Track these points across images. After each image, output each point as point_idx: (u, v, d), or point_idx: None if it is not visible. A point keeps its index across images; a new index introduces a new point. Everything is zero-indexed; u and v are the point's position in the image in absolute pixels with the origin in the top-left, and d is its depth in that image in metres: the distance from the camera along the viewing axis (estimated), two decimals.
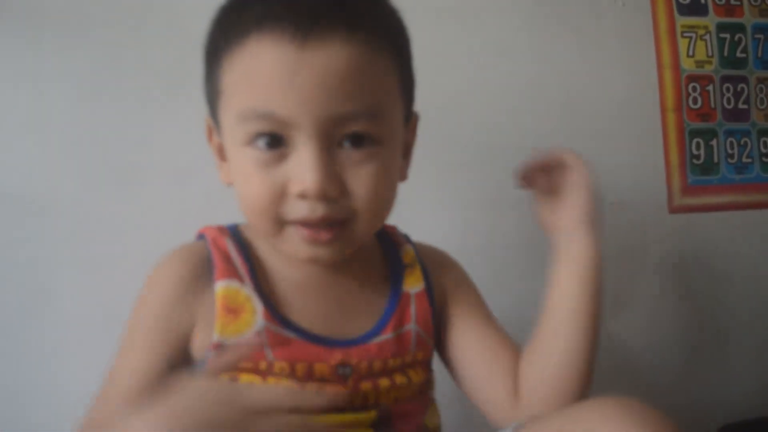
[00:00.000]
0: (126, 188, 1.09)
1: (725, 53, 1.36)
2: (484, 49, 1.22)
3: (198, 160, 1.10)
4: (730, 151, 1.35)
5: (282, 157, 0.57)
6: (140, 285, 0.93)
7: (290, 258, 0.64)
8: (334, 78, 0.54)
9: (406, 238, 0.77)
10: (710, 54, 1.35)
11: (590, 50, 1.27)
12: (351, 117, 0.56)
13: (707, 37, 1.35)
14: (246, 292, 0.62)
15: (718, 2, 1.36)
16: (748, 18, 1.38)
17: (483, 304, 0.75)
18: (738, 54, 1.36)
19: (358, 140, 0.57)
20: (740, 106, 1.36)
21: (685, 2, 1.34)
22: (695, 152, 1.32)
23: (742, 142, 1.36)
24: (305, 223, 0.58)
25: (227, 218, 1.06)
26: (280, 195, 0.57)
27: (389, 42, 0.60)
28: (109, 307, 1.07)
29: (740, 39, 1.37)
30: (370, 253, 0.71)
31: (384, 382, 0.64)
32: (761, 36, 1.38)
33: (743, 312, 1.32)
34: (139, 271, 1.07)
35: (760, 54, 1.38)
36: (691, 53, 1.33)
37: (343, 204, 0.58)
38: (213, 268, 0.64)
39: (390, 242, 0.74)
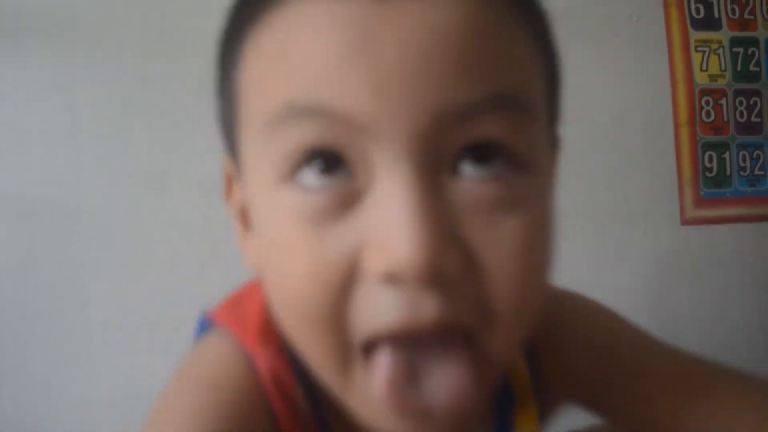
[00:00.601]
0: (154, 196, 1.13)
1: (738, 67, 1.38)
2: None
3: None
4: (742, 164, 1.37)
5: (347, 200, 0.29)
6: (164, 289, 0.98)
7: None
8: (441, 41, 0.29)
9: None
10: (723, 68, 1.37)
11: (606, 64, 1.30)
12: (474, 110, 0.29)
13: (720, 51, 1.37)
14: None
15: (731, 16, 1.38)
16: (762, 32, 1.40)
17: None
18: (751, 68, 1.39)
19: (485, 156, 0.30)
20: (753, 119, 1.38)
21: (698, 17, 1.37)
22: (708, 165, 1.35)
23: (754, 155, 1.38)
24: (396, 341, 0.29)
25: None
26: (348, 276, 0.29)
27: (528, 7, 0.35)
28: (135, 310, 1.11)
29: (753, 53, 1.39)
30: None
31: None
32: None
33: (750, 322, 1.34)
34: (164, 276, 1.11)
35: None
36: (704, 67, 1.36)
37: (469, 291, 0.29)
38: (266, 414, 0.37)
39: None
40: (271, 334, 0.38)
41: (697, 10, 1.37)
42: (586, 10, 1.28)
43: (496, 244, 0.29)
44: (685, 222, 1.33)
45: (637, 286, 1.28)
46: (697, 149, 1.34)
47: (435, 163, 0.29)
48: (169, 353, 1.06)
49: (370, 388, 0.29)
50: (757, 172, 1.38)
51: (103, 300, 1.12)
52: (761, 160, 1.38)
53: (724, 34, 1.38)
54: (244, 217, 0.38)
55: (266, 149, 0.31)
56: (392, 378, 0.28)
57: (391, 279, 0.27)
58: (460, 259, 0.28)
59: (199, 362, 0.39)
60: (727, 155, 1.36)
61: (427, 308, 0.28)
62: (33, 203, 1.11)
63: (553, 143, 0.37)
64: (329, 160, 0.29)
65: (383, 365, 0.28)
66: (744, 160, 1.37)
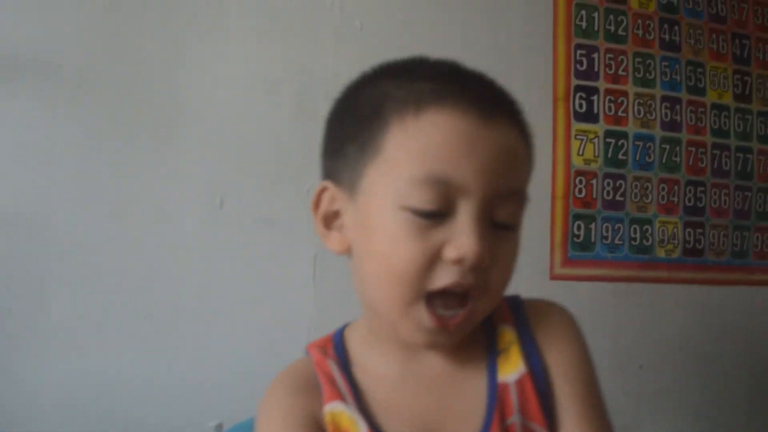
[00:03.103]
0: (116, 219, 1.36)
1: (609, 155, 1.69)
2: None
3: (178, 202, 1.38)
4: (605, 234, 1.67)
5: (440, 223, 0.55)
6: (118, 301, 1.22)
7: (398, 347, 0.64)
8: (507, 154, 0.57)
9: (514, 305, 0.69)
10: (597, 154, 1.68)
11: None
12: (513, 193, 0.58)
13: (596, 140, 1.68)
14: (350, 414, 0.61)
15: (608, 112, 1.70)
16: (631, 128, 1.72)
17: (588, 399, 0.64)
18: (620, 156, 1.70)
19: (503, 225, 0.58)
20: (617, 198, 1.69)
21: (581, 110, 1.67)
22: (576, 232, 1.65)
23: (616, 227, 1.69)
24: (448, 292, 0.56)
25: (193, 256, 1.36)
26: (432, 259, 0.55)
27: (532, 146, 0.64)
28: (86, 319, 1.33)
29: (623, 144, 1.70)
30: (470, 337, 0.64)
31: None
32: (640, 143, 1.72)
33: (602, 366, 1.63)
34: (114, 287, 1.34)
35: (638, 157, 1.72)
36: (581, 152, 1.66)
37: (484, 278, 0.57)
38: (321, 392, 0.63)
39: (490, 320, 0.66)
40: (327, 343, 0.68)
41: (580, 105, 1.67)
42: None
43: (499, 256, 0.58)
44: (554, 277, 1.62)
45: None
46: (568, 218, 1.64)
47: (488, 214, 0.57)
48: (118, 353, 1.29)
49: (423, 315, 0.57)
50: (617, 241, 1.69)
51: (65, 306, 1.33)
52: (621, 232, 1.69)
53: (600, 127, 1.69)
54: (328, 221, 0.64)
55: (403, 193, 0.56)
56: (439, 319, 0.57)
57: (458, 263, 0.55)
58: (490, 262, 0.56)
59: (286, 369, 0.68)
60: (593, 225, 1.66)
61: (469, 279, 0.56)
62: (8, 217, 1.32)
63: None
64: (437, 211, 0.56)
65: (437, 312, 0.57)
66: (607, 231, 1.68)
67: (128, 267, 1.36)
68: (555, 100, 1.65)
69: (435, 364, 0.64)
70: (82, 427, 1.31)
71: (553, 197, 1.63)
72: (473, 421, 0.61)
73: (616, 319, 1.67)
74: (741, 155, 1.83)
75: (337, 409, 0.62)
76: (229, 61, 1.46)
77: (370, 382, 0.64)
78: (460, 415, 0.62)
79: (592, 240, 1.66)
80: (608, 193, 1.68)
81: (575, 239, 1.65)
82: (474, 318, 0.59)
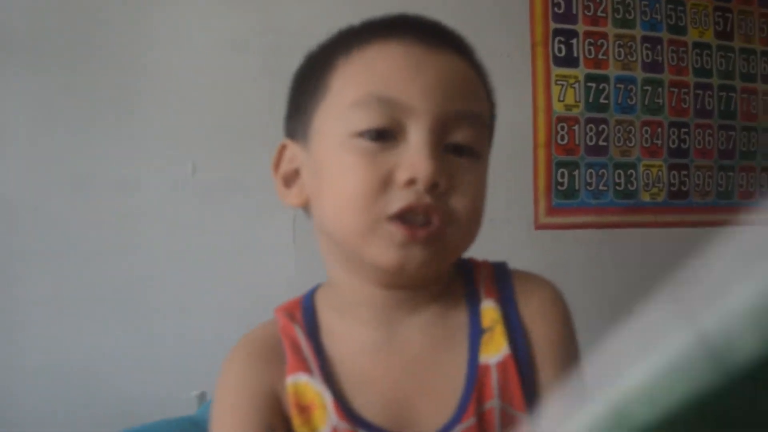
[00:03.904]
0: (81, 192, 1.30)
1: (591, 99, 1.65)
2: None
3: (147, 170, 1.33)
4: (589, 180, 1.64)
5: (390, 147, 0.53)
6: (91, 275, 1.17)
7: (372, 313, 0.59)
8: (455, 78, 0.55)
9: (500, 277, 0.63)
10: (578, 99, 1.64)
11: None
12: (464, 116, 0.55)
13: (576, 85, 1.64)
14: (315, 386, 0.57)
15: (588, 56, 1.65)
16: (612, 71, 1.67)
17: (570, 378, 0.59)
18: (601, 100, 1.66)
19: (460, 150, 0.55)
20: (600, 143, 1.65)
21: (560, 55, 1.62)
22: (560, 180, 1.62)
23: (600, 173, 1.66)
24: (406, 214, 0.52)
25: (166, 226, 1.31)
26: (385, 183, 0.52)
27: (486, 78, 0.61)
28: (60, 294, 1.29)
29: (604, 88, 1.66)
30: (451, 305, 0.60)
31: None
32: (622, 86, 1.68)
33: (591, 314, 1.62)
34: (83, 263, 1.29)
35: (620, 101, 1.68)
36: (562, 98, 1.62)
37: (446, 203, 0.53)
38: (284, 361, 0.59)
39: (474, 294, 0.62)
40: (295, 306, 0.63)
41: (560, 50, 1.63)
42: None
43: (462, 185, 0.54)
44: (539, 227, 1.59)
45: None
46: (551, 166, 1.61)
47: (441, 137, 0.54)
48: (95, 328, 1.25)
49: (388, 230, 0.52)
50: (601, 187, 1.66)
51: (30, 283, 1.29)
52: (605, 178, 1.66)
53: (580, 71, 1.64)
54: (287, 180, 0.62)
55: (348, 117, 0.54)
56: (407, 225, 0.52)
57: (411, 183, 0.52)
58: (447, 181, 0.53)
59: (249, 333, 0.64)
60: (576, 172, 1.63)
61: (426, 200, 0.52)
62: None
63: (490, 141, 0.62)
64: (384, 131, 0.53)
65: (403, 223, 0.52)
66: (591, 177, 1.65)
67: (99, 240, 1.31)
68: (533, 46, 1.60)
69: (412, 336, 0.58)
70: (62, 403, 1.27)
71: (535, 145, 1.60)
72: (448, 402, 0.57)
73: (603, 266, 1.65)
74: (724, 94, 1.79)
75: (301, 381, 0.58)
76: (193, 20, 1.39)
77: (339, 352, 0.59)
78: (435, 394, 0.57)
79: (576, 187, 1.63)
80: (591, 139, 1.65)
81: (559, 187, 1.62)
82: (445, 246, 0.55)
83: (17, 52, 1.28)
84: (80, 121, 1.31)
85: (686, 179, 1.74)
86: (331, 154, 0.55)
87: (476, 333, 0.59)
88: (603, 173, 1.66)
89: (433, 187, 0.52)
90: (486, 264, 0.65)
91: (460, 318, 0.60)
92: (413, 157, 0.52)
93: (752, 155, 1.82)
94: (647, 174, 1.70)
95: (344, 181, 0.54)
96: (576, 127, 1.63)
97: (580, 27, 1.64)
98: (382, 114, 0.53)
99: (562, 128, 1.62)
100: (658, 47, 1.72)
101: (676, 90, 1.73)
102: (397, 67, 0.54)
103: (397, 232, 0.52)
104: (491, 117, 0.61)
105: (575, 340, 0.62)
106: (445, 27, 0.60)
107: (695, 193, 1.76)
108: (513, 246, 1.56)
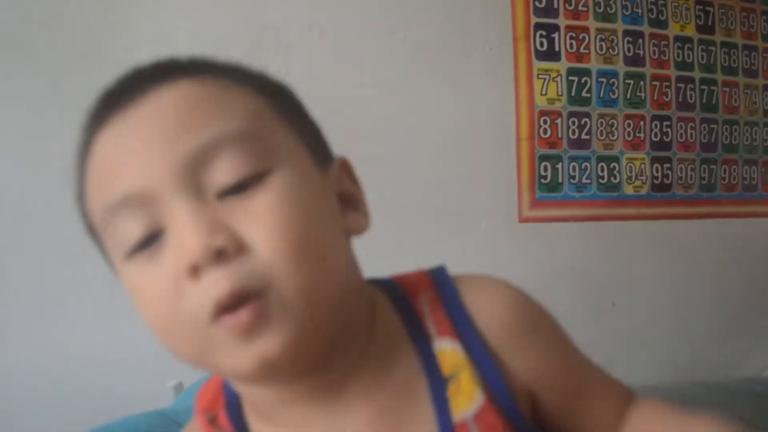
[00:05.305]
0: (62, 190, 1.30)
1: (573, 93, 1.66)
2: (369, 85, 1.48)
3: None
4: (572, 174, 1.66)
5: (160, 245, 0.41)
6: (78, 269, 1.17)
7: (307, 407, 0.45)
8: (172, 115, 0.41)
9: (446, 299, 0.49)
10: (560, 93, 1.65)
11: (460, 86, 1.55)
12: (213, 144, 0.40)
13: (558, 79, 1.65)
14: None
15: (569, 50, 1.66)
16: (594, 64, 1.68)
17: (570, 369, 0.51)
18: (583, 94, 1.67)
19: (235, 189, 0.40)
20: (583, 137, 1.67)
21: (542, 49, 1.64)
22: (543, 173, 1.63)
23: (582, 167, 1.67)
24: (217, 308, 0.38)
25: None
26: (175, 288, 0.39)
27: (236, 78, 0.47)
28: (44, 288, 1.29)
29: (586, 81, 1.67)
30: (394, 357, 0.47)
31: None
32: (604, 79, 1.69)
33: (576, 307, 1.63)
34: (71, 256, 1.29)
35: (602, 94, 1.69)
36: (544, 92, 1.63)
37: (248, 265, 0.39)
38: None
39: (419, 331, 0.48)
40: (213, 410, 0.50)
41: (541, 44, 1.64)
42: (446, 41, 1.53)
43: (254, 219, 0.39)
44: (522, 220, 1.61)
45: (482, 268, 1.55)
46: (534, 160, 1.62)
47: (200, 194, 0.40)
48: (81, 322, 1.25)
49: (223, 340, 0.39)
50: (584, 180, 1.67)
51: (22, 276, 1.29)
52: (588, 171, 1.68)
53: (562, 65, 1.66)
54: None
55: (108, 239, 0.44)
56: (228, 313, 0.38)
57: (193, 270, 0.38)
58: (229, 236, 0.38)
59: None
60: (559, 166, 1.64)
61: (223, 280, 0.38)
62: None
63: (322, 161, 0.47)
64: (146, 236, 0.41)
65: (222, 312, 0.39)
66: (574, 170, 1.66)
67: (84, 235, 1.31)
68: (515, 40, 1.61)
69: (363, 417, 0.45)
70: (48, 398, 1.27)
71: (518, 139, 1.61)
72: None
73: (587, 259, 1.66)
74: (705, 87, 1.81)
75: None
76: (174, 19, 1.39)
77: None
78: None
79: (560, 180, 1.64)
80: (573, 132, 1.66)
81: (542, 180, 1.63)
82: (287, 313, 0.39)
83: (3, 49, 1.29)
84: (66, 118, 1.31)
85: (669, 172, 1.76)
86: (124, 280, 0.44)
87: (438, 385, 0.46)
88: (586, 166, 1.67)
89: (218, 256, 0.38)
90: (420, 280, 0.50)
91: (412, 373, 0.46)
92: (178, 240, 0.39)
93: (735, 148, 1.84)
94: (630, 167, 1.71)
95: (144, 307, 0.42)
96: (558, 121, 1.64)
97: (562, 21, 1.65)
98: (135, 219, 0.41)
99: (545, 122, 1.63)
100: (640, 41, 1.73)
101: (658, 83, 1.75)
102: (106, 158, 0.43)
103: (226, 332, 0.39)
104: (289, 117, 0.46)
105: (555, 325, 0.52)
106: (145, 68, 0.48)
107: (678, 185, 1.77)
108: (496, 240, 1.57)
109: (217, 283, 0.38)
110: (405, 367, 0.46)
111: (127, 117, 0.42)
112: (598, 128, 1.68)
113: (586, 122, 1.67)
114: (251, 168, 0.40)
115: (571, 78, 1.66)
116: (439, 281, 0.49)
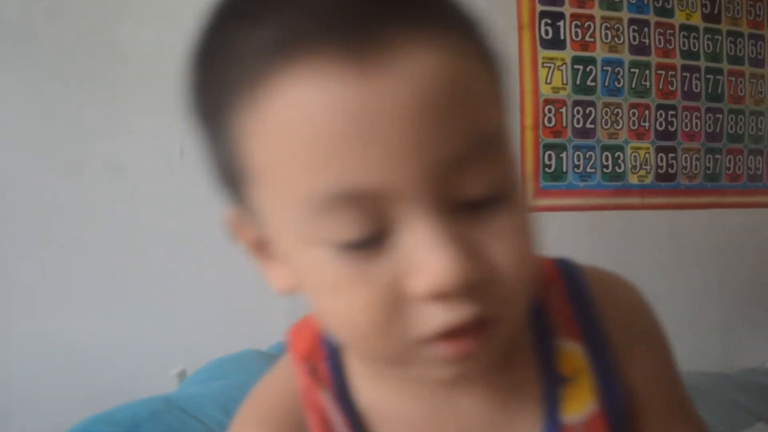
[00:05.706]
0: (71, 177, 1.30)
1: (578, 81, 1.65)
2: None
3: (130, 158, 1.34)
4: (576, 163, 1.65)
5: (379, 246, 0.34)
6: (81, 259, 1.17)
7: (412, 386, 0.44)
8: (427, 103, 0.32)
9: (574, 297, 0.47)
10: (565, 82, 1.64)
11: None
12: (469, 153, 0.33)
13: (563, 67, 1.64)
14: None
15: (574, 38, 1.65)
16: (599, 53, 1.68)
17: (680, 412, 0.49)
18: (588, 83, 1.66)
19: (480, 202, 0.35)
20: (588, 126, 1.66)
21: (547, 37, 1.63)
22: (547, 162, 1.62)
23: (587, 156, 1.66)
24: (443, 335, 0.35)
25: (154, 208, 1.32)
26: (394, 302, 0.35)
27: (480, 39, 0.38)
28: (49, 276, 1.29)
29: (591, 70, 1.67)
30: (519, 359, 0.45)
31: None
32: (609, 68, 1.69)
33: None
34: (74, 246, 1.30)
35: (607, 83, 1.68)
36: (548, 81, 1.62)
37: (489, 294, 0.35)
38: None
39: (542, 324, 0.46)
40: (317, 360, 0.46)
41: (546, 32, 1.63)
42: None
43: (498, 243, 0.34)
44: None
45: None
46: (539, 149, 1.61)
47: (445, 205, 0.33)
48: (84, 312, 1.26)
49: (431, 359, 0.36)
50: (588, 169, 1.67)
51: (24, 263, 1.29)
52: (592, 160, 1.67)
53: (567, 53, 1.65)
54: (261, 250, 0.41)
55: (310, 225, 0.34)
56: (453, 342, 0.35)
57: (437, 297, 0.33)
58: (487, 269, 0.34)
59: (261, 391, 0.48)
60: (564, 155, 1.64)
61: (466, 312, 0.34)
62: None
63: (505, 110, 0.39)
64: (369, 235, 0.34)
65: (448, 340, 0.35)
66: (578, 160, 1.66)
67: (89, 224, 1.32)
68: (520, 28, 1.61)
69: (473, 405, 0.44)
70: (52, 385, 1.28)
71: (523, 128, 1.60)
72: None
73: (591, 248, 1.66)
74: (711, 77, 1.80)
75: None
76: (177, 1, 1.39)
77: (382, 428, 0.45)
78: None
79: (564, 169, 1.64)
80: (578, 121, 1.65)
81: (546, 169, 1.62)
82: (501, 334, 0.38)
83: (6, 39, 1.29)
84: (68, 106, 1.31)
85: (674, 162, 1.75)
86: (300, 257, 0.37)
87: (553, 382, 0.44)
88: (590, 155, 1.67)
89: (469, 289, 0.34)
90: (549, 270, 0.47)
91: (530, 368, 0.45)
92: (421, 254, 0.33)
93: (740, 138, 1.83)
94: (635, 156, 1.71)
95: (333, 304, 0.37)
96: (563, 110, 1.64)
97: (567, 9, 1.64)
98: (359, 217, 0.33)
99: (550, 111, 1.62)
100: (645, 29, 1.72)
101: (663, 72, 1.74)
102: (335, 130, 0.32)
103: (440, 352, 0.36)
104: (500, 84, 0.39)
105: (668, 349, 0.49)
106: None
107: (682, 175, 1.76)
108: None
109: (456, 314, 0.34)
110: (521, 359, 0.45)
111: (365, 74, 0.31)
112: (602, 117, 1.67)
113: (590, 111, 1.66)
114: (498, 182, 0.35)
115: (576, 66, 1.65)
116: (567, 274, 0.47)
